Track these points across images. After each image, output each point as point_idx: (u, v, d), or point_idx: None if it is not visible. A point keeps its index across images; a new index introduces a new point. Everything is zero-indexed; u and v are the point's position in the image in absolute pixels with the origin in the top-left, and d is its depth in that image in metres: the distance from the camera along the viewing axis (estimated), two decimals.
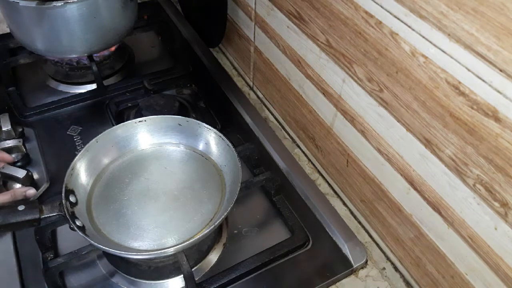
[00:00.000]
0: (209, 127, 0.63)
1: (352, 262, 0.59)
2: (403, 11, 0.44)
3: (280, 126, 0.81)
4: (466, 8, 0.37)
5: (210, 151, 0.64)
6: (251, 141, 0.73)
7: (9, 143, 0.70)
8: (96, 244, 0.50)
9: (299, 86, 0.70)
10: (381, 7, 0.47)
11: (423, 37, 0.43)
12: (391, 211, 0.57)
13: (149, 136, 0.65)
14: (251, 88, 0.89)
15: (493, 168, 0.40)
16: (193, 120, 0.64)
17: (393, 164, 0.54)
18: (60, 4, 0.70)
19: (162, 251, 0.52)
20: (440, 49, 0.41)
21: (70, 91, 0.85)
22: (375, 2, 0.47)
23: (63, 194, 0.54)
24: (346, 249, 0.60)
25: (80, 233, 0.51)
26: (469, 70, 0.39)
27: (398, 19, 0.45)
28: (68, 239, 0.61)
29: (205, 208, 0.58)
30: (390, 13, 0.46)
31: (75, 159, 0.58)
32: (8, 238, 0.60)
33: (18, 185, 0.66)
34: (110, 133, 0.63)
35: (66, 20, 0.72)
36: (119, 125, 0.63)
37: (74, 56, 0.82)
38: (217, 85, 0.84)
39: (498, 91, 0.37)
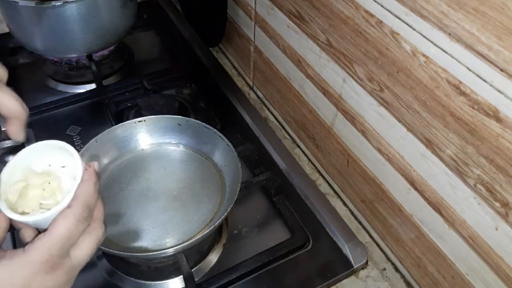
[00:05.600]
0: (209, 127, 0.63)
1: (353, 263, 0.59)
2: (403, 10, 0.44)
3: (280, 126, 0.81)
4: (467, 7, 0.37)
5: (210, 151, 0.64)
6: (251, 141, 0.72)
7: (9, 143, 0.70)
8: None
9: (299, 86, 0.69)
10: (382, 6, 0.46)
11: (424, 36, 0.42)
12: (391, 211, 0.57)
13: (148, 136, 0.65)
14: (251, 88, 0.88)
15: (494, 168, 0.40)
16: (193, 120, 0.64)
17: (394, 164, 0.53)
18: (59, 3, 0.70)
19: (162, 251, 0.51)
20: (441, 48, 0.41)
21: (69, 91, 0.85)
22: (375, 1, 0.47)
23: None
24: (346, 250, 0.60)
25: None
26: (470, 70, 0.39)
27: (399, 18, 0.45)
28: None
29: (205, 208, 0.58)
30: (391, 13, 0.46)
31: None
32: (8, 238, 0.60)
33: None
34: (110, 133, 0.62)
35: (65, 20, 0.72)
36: (119, 125, 0.63)
37: (73, 55, 0.82)
38: (217, 85, 0.84)
39: (499, 91, 0.37)
